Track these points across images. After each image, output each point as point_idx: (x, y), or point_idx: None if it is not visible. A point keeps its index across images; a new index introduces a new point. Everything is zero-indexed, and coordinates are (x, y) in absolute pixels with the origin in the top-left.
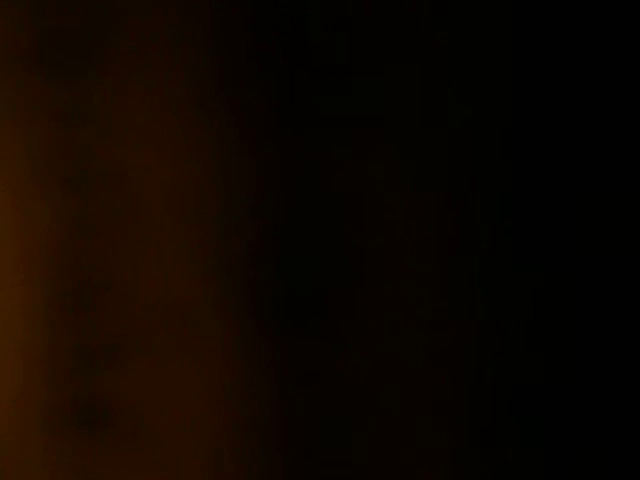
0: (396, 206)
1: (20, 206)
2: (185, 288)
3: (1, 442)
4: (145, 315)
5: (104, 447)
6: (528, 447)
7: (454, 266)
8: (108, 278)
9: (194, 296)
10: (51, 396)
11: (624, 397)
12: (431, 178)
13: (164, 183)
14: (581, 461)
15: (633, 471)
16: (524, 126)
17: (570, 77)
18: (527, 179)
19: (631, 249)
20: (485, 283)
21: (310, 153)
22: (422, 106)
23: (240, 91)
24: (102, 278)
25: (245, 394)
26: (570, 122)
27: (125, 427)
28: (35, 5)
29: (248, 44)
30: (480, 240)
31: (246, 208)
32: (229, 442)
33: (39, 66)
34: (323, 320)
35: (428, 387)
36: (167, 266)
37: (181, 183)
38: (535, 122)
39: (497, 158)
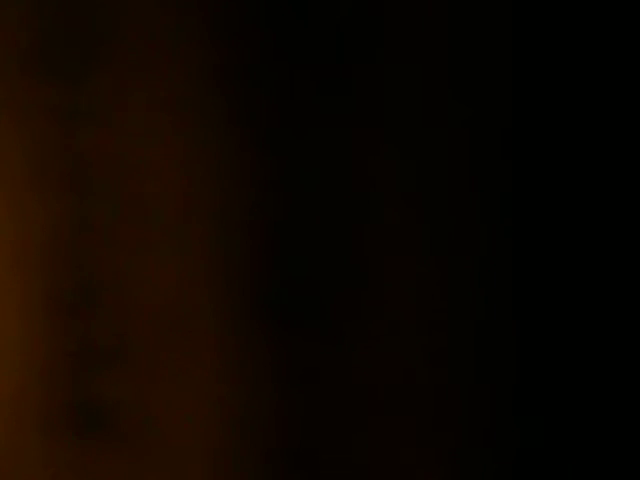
0: (396, 206)
1: (19, 206)
2: (185, 288)
3: None
4: (144, 315)
5: (102, 447)
6: (528, 447)
7: (454, 266)
8: (107, 278)
9: (194, 296)
10: (49, 397)
11: (624, 397)
12: (431, 178)
13: (164, 182)
14: (581, 461)
15: (633, 471)
16: (524, 126)
17: (570, 77)
18: (527, 179)
19: (631, 249)
20: (485, 283)
21: (310, 153)
22: (422, 106)
23: (240, 91)
24: (101, 278)
25: (245, 394)
26: (570, 122)
27: (123, 427)
28: (35, 5)
29: (248, 44)
30: (480, 240)
31: (246, 207)
32: (229, 442)
33: (39, 66)
34: (323, 320)
35: (428, 387)
36: (167, 266)
37: (181, 182)
38: (535, 122)
39: (497, 158)
